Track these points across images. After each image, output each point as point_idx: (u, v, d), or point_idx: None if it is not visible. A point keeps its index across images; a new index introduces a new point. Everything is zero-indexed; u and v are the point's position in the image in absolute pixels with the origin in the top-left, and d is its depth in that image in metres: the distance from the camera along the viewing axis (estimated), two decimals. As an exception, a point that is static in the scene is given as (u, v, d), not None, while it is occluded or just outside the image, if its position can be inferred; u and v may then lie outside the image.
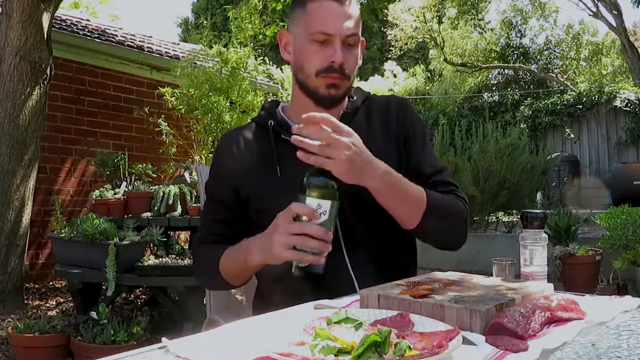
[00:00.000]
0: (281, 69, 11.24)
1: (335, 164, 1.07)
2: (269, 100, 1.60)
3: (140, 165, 4.78)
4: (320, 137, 1.07)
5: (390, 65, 17.74)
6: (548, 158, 7.28)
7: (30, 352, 3.20)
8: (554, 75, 16.69)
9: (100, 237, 3.68)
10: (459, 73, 17.42)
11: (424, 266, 1.55)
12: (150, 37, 7.96)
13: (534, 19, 17.93)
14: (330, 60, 1.30)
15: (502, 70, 17.48)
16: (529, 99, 13.35)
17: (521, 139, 6.55)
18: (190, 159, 5.69)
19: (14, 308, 4.18)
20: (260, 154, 1.38)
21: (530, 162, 6.46)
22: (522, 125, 10.62)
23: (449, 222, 1.33)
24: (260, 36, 5.84)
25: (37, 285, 5.64)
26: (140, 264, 3.67)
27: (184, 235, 5.61)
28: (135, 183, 4.56)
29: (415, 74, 18.14)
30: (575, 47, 17.68)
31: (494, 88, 16.85)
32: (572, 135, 11.62)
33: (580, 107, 11.59)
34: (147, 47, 7.14)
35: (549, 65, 17.35)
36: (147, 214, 4.05)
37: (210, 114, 5.50)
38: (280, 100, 1.56)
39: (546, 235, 1.22)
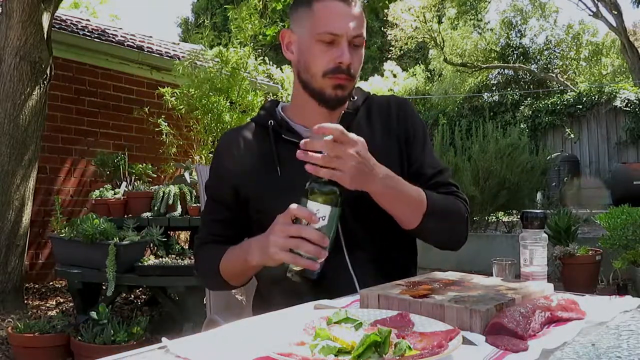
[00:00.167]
0: (281, 69, 11.24)
1: (342, 175, 1.08)
2: (269, 100, 1.59)
3: (140, 165, 4.78)
4: (326, 150, 1.07)
5: (389, 65, 17.74)
6: (548, 158, 7.28)
7: (30, 352, 3.20)
8: (554, 75, 16.69)
9: (100, 237, 3.68)
10: (459, 73, 17.42)
11: (424, 266, 1.55)
12: (150, 37, 7.96)
13: (534, 19, 17.94)
14: (338, 61, 1.30)
15: (502, 70, 17.48)
16: (529, 99, 13.35)
17: (521, 139, 6.55)
18: (190, 159, 5.69)
19: (14, 308, 4.18)
20: (260, 153, 1.37)
21: (530, 162, 6.47)
22: (522, 125, 10.62)
23: (449, 223, 1.33)
24: (260, 36, 5.84)
25: (37, 285, 5.64)
26: (140, 264, 3.67)
27: (184, 235, 5.62)
28: (135, 183, 4.56)
29: (415, 74, 18.14)
30: (575, 47, 17.67)
31: (494, 88, 16.86)
32: (572, 135, 11.62)
33: (580, 107, 11.59)
34: (147, 47, 7.14)
35: (549, 65, 17.35)
36: (147, 214, 4.05)
37: (210, 114, 5.50)
38: (280, 100, 1.55)
39: (546, 235, 1.22)
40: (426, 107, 16.38)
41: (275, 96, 7.55)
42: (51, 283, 5.83)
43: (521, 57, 17.19)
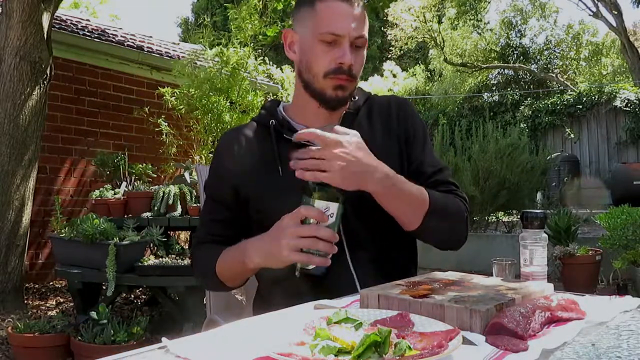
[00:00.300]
0: (281, 69, 11.23)
1: (329, 176, 1.10)
2: (270, 99, 1.59)
3: (140, 165, 4.78)
4: (309, 155, 1.10)
5: (389, 65, 17.74)
6: (548, 158, 7.29)
7: (30, 352, 3.20)
8: (554, 75, 16.69)
9: (100, 237, 3.68)
10: (459, 73, 17.42)
11: (424, 266, 1.55)
12: (150, 37, 7.96)
13: (534, 19, 17.93)
14: (339, 61, 1.30)
15: (502, 70, 17.48)
16: (529, 99, 13.35)
17: (521, 139, 6.55)
18: (190, 159, 5.69)
19: (14, 308, 4.18)
20: (261, 153, 1.37)
21: (530, 162, 6.47)
22: (522, 125, 10.62)
23: (450, 222, 1.33)
24: (260, 36, 5.84)
25: (37, 285, 5.64)
26: (140, 264, 3.67)
27: (184, 235, 5.61)
28: (135, 183, 4.56)
29: (415, 74, 18.14)
30: (575, 47, 17.67)
31: (494, 88, 16.86)
32: (572, 135, 11.62)
33: (580, 107, 11.59)
34: (147, 47, 7.14)
35: (549, 65, 17.35)
36: (147, 214, 4.05)
37: (210, 114, 5.50)
38: (280, 100, 1.55)
39: (546, 235, 1.22)
40: (426, 107, 16.38)
41: (275, 96, 7.55)
42: (51, 283, 5.83)
43: (521, 57, 17.18)
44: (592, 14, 14.82)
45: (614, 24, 13.72)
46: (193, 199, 4.07)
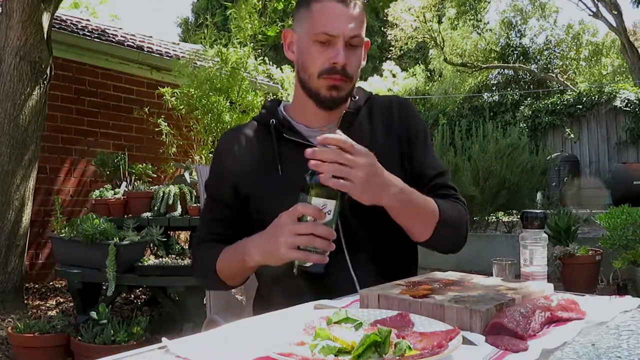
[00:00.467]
0: (281, 69, 11.24)
1: (353, 186, 1.08)
2: (271, 99, 1.59)
3: (140, 165, 4.78)
4: (336, 160, 1.07)
5: (389, 65, 17.74)
6: (548, 158, 7.29)
7: (30, 352, 3.20)
8: (554, 75, 16.69)
9: (100, 237, 3.68)
10: (459, 73, 17.42)
11: (424, 266, 1.55)
12: (150, 37, 7.96)
13: (533, 19, 17.93)
14: (333, 61, 1.30)
15: (502, 70, 17.48)
16: (529, 99, 13.35)
17: (521, 139, 6.55)
18: (190, 159, 5.68)
19: (14, 308, 4.18)
20: (261, 153, 1.37)
21: (530, 162, 6.47)
22: (522, 125, 10.63)
23: (457, 230, 1.34)
24: (260, 36, 5.84)
25: (37, 285, 5.64)
26: (140, 264, 3.67)
27: (184, 235, 5.61)
28: (135, 183, 4.56)
29: (415, 74, 18.14)
30: (575, 47, 17.67)
31: (494, 88, 16.85)
32: (572, 135, 11.62)
33: (580, 107, 11.59)
34: (147, 47, 7.14)
35: (549, 65, 17.35)
36: (147, 214, 4.05)
37: (210, 114, 5.50)
38: (281, 99, 1.55)
39: (546, 235, 1.22)
40: (426, 107, 16.38)
41: (275, 96, 7.55)
42: (51, 283, 5.83)
43: (521, 57, 17.18)
44: (592, 14, 14.82)
45: (614, 24, 13.72)
46: (193, 199, 4.07)
